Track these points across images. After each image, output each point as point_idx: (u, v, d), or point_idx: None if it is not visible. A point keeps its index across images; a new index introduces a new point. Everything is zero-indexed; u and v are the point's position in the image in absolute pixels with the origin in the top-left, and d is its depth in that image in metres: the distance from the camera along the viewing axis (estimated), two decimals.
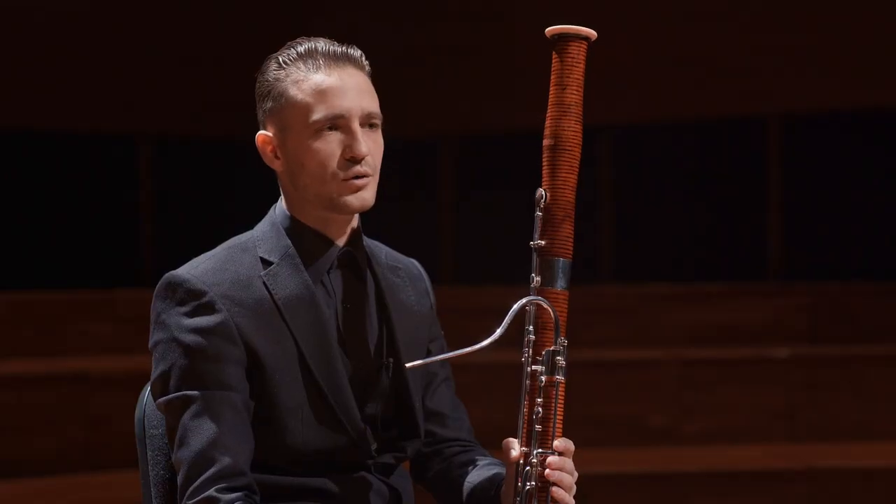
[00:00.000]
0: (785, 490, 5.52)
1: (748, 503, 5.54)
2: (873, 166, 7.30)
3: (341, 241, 2.23)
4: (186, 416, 2.10)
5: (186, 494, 2.09)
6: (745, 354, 6.24)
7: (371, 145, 2.17)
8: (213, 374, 2.11)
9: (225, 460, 2.08)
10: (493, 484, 2.19)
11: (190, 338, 2.11)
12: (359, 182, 2.15)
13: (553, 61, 2.06)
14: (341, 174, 2.15)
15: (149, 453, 2.30)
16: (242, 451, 2.11)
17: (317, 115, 2.14)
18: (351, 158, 2.15)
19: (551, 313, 2.04)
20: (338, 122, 2.15)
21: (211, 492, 2.07)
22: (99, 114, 7.47)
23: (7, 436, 5.59)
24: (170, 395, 2.12)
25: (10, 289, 6.88)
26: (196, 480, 2.08)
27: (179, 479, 2.11)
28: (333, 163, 2.15)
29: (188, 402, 2.11)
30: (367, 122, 2.17)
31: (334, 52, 2.18)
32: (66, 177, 7.53)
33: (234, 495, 2.07)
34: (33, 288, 7.01)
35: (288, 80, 2.16)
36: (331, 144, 2.15)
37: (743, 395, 6.10)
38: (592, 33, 2.06)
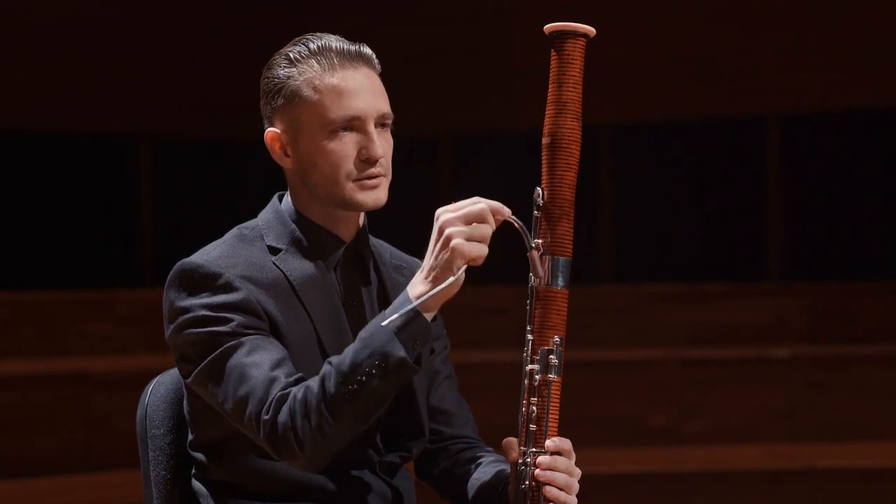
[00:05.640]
0: (785, 490, 5.52)
1: (748, 503, 5.54)
2: (873, 166, 7.30)
3: (347, 240, 2.23)
4: (237, 357, 2.05)
5: (262, 413, 2.01)
6: (745, 354, 6.25)
7: (385, 146, 2.17)
8: (248, 329, 2.08)
9: (293, 377, 2.04)
10: (500, 481, 2.18)
11: (215, 312, 2.08)
12: (372, 182, 2.15)
13: (552, 59, 2.05)
14: (355, 174, 2.14)
15: (150, 453, 2.29)
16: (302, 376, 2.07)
17: (333, 116, 2.13)
18: (367, 160, 2.14)
19: (551, 313, 2.02)
20: (353, 124, 2.14)
21: (279, 394, 2.00)
22: (99, 114, 7.47)
23: (7, 436, 5.60)
24: (213, 356, 2.07)
25: (11, 289, 6.88)
26: (266, 401, 2.01)
27: (249, 409, 2.02)
28: (348, 164, 2.14)
29: (233, 349, 2.06)
30: (380, 122, 2.17)
31: (348, 50, 2.16)
32: (66, 177, 7.53)
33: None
34: (33, 288, 7.02)
35: (301, 78, 2.14)
36: (346, 145, 2.14)
37: (743, 395, 6.11)
38: (591, 30, 2.04)
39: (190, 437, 2.23)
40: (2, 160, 7.34)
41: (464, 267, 1.93)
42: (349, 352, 1.98)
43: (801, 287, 6.94)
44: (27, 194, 7.43)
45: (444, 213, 1.94)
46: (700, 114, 7.41)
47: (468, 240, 1.92)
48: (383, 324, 1.95)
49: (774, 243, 7.37)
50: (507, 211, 1.97)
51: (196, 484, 2.23)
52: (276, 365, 2.05)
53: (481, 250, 1.92)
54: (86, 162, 7.60)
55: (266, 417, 2.01)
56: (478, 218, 1.93)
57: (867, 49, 7.04)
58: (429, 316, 1.96)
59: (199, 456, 2.20)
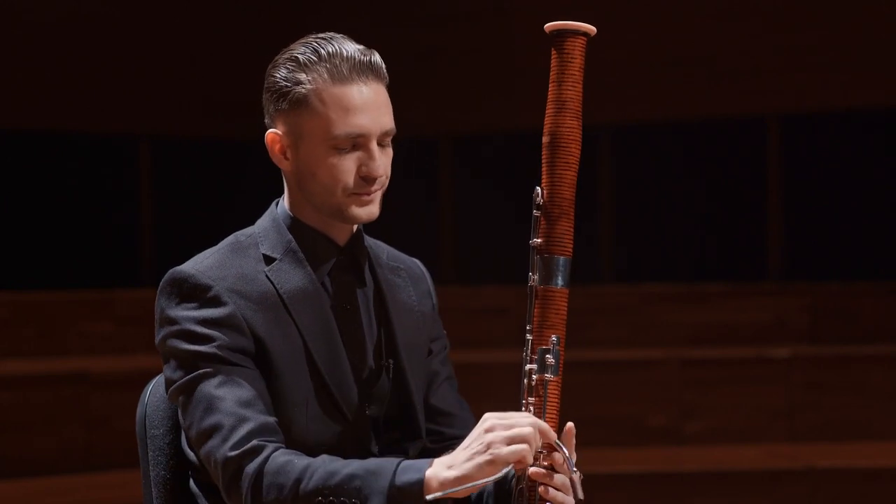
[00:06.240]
0: (785, 490, 5.52)
1: (748, 503, 5.54)
2: (873, 166, 7.30)
3: (342, 242, 2.22)
4: (209, 386, 2.06)
5: (225, 450, 2.02)
6: (745, 354, 6.25)
7: (385, 162, 2.16)
8: (228, 355, 2.08)
9: (261, 418, 2.05)
10: (505, 479, 2.17)
11: (200, 328, 2.09)
12: (368, 197, 2.15)
13: (552, 58, 2.04)
14: (352, 189, 2.13)
15: (150, 453, 2.29)
16: (272, 415, 2.07)
17: (338, 132, 2.11)
18: (366, 177, 2.13)
19: (550, 312, 2.02)
20: (357, 141, 2.13)
21: (254, 442, 2.01)
22: (99, 114, 7.47)
23: (7, 436, 5.60)
24: (188, 377, 2.08)
25: (11, 289, 6.88)
26: (232, 438, 2.02)
27: (211, 443, 2.04)
28: (348, 179, 2.13)
29: (207, 376, 2.07)
30: (383, 139, 2.16)
31: (359, 61, 2.13)
32: (66, 177, 7.53)
33: (278, 447, 2.03)
34: (33, 288, 7.02)
35: (309, 85, 2.11)
36: (347, 161, 2.13)
37: (743, 395, 6.11)
38: (591, 29, 2.03)
39: (184, 437, 2.23)
40: (2, 160, 7.34)
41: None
42: (347, 469, 1.97)
43: (801, 287, 6.94)
44: (27, 194, 7.42)
45: (491, 433, 1.93)
46: (700, 114, 7.41)
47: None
48: (395, 472, 1.94)
49: (774, 243, 7.37)
50: (552, 436, 1.97)
51: (192, 484, 2.23)
52: (246, 404, 2.05)
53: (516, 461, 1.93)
54: (86, 162, 7.60)
55: (232, 455, 2.01)
56: (522, 440, 1.92)
57: (867, 49, 7.04)
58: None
59: (193, 457, 2.20)
